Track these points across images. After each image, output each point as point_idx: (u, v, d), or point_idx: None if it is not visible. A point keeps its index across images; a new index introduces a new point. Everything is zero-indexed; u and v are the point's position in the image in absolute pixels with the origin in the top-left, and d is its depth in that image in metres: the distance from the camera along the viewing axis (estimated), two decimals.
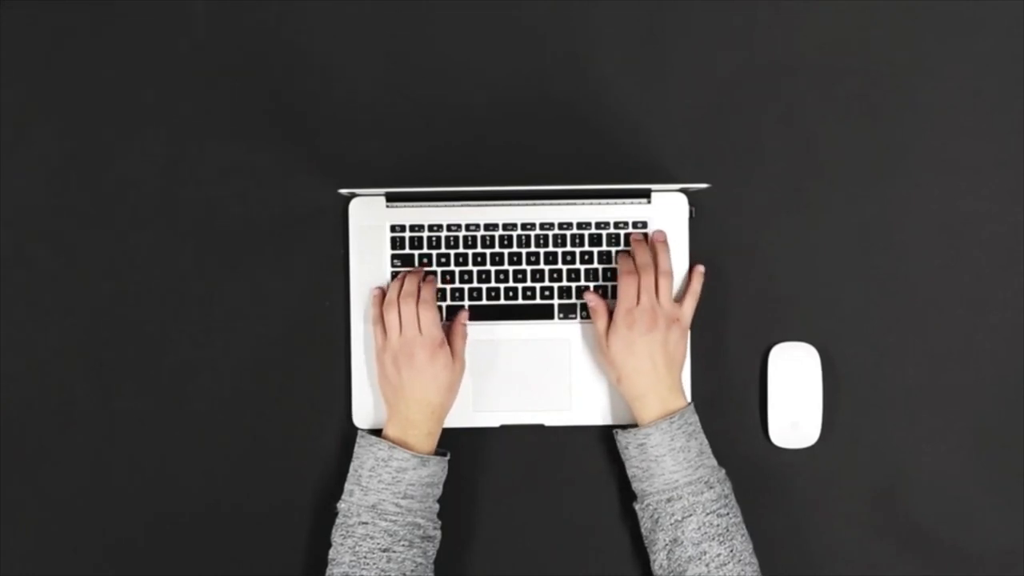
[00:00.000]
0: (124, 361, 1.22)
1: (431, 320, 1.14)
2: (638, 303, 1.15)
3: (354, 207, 1.22)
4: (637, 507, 1.14)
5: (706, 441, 1.14)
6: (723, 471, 1.14)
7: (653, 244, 1.19)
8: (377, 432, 1.16)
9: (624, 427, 1.17)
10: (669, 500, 1.11)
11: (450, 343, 1.16)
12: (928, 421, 1.23)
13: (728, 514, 1.10)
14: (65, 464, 1.22)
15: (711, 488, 1.10)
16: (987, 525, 1.23)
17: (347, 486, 1.13)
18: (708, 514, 1.09)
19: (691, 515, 1.09)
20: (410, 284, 1.16)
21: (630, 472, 1.15)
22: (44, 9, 1.24)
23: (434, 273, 1.21)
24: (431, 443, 1.14)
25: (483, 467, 1.22)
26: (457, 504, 1.17)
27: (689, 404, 1.15)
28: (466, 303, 1.21)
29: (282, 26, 1.24)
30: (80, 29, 1.24)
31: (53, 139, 1.23)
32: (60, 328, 1.22)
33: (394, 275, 1.21)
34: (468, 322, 1.20)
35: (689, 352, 1.21)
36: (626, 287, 1.15)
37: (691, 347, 1.21)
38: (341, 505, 1.12)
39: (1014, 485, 1.22)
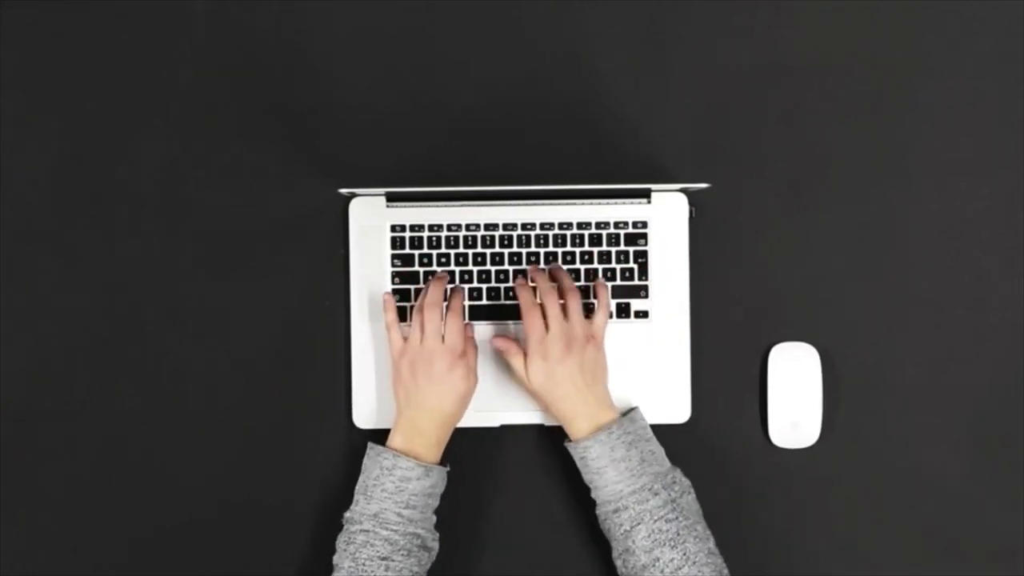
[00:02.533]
0: (124, 361, 1.22)
1: (456, 330, 1.14)
2: (548, 331, 1.14)
3: (354, 207, 1.22)
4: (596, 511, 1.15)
5: (652, 447, 1.13)
6: (673, 474, 1.12)
7: (550, 270, 1.19)
8: (383, 432, 1.16)
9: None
10: (616, 511, 1.10)
11: (464, 355, 1.15)
12: (928, 421, 1.23)
13: (677, 518, 1.09)
14: (65, 464, 1.22)
15: (656, 495, 1.09)
16: (987, 525, 1.23)
17: (355, 495, 1.13)
18: (656, 520, 1.09)
19: (639, 523, 1.09)
20: (435, 292, 1.15)
21: (585, 481, 1.15)
22: (44, 9, 1.24)
23: (461, 289, 1.20)
24: (437, 453, 1.14)
25: (483, 467, 1.22)
26: (457, 503, 1.17)
27: (627, 413, 1.14)
28: (469, 321, 1.21)
29: (282, 26, 1.24)
30: (80, 29, 1.24)
31: (53, 139, 1.23)
32: (60, 328, 1.22)
33: (394, 275, 1.21)
34: (470, 322, 1.19)
35: (689, 352, 1.21)
36: (531, 318, 1.14)
37: (691, 347, 1.21)
38: (347, 513, 1.12)
39: (1014, 485, 1.23)
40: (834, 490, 1.23)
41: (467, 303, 1.21)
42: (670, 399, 1.21)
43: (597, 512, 1.13)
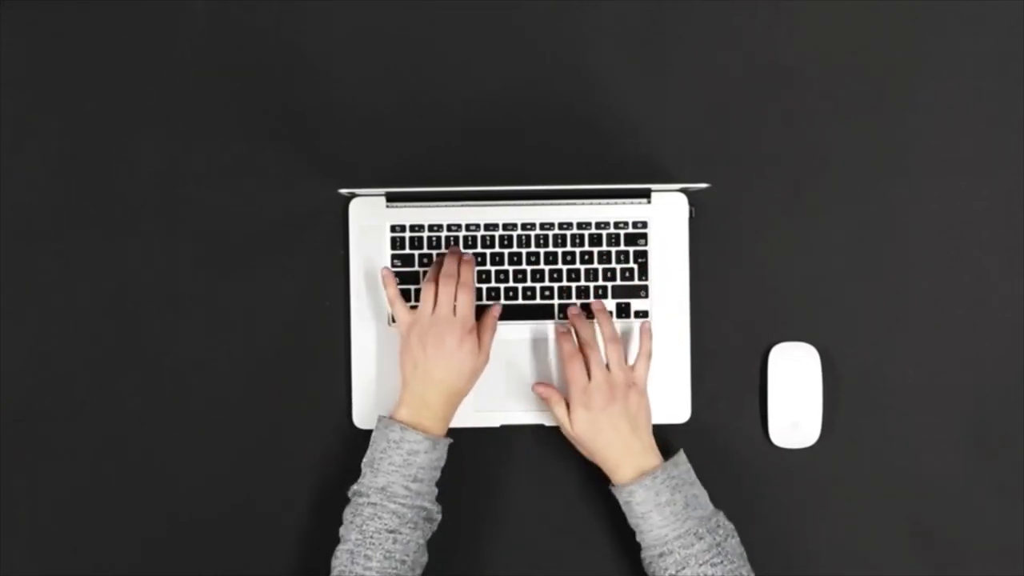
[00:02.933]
0: (124, 361, 1.22)
1: (467, 303, 1.14)
2: (590, 379, 1.14)
3: (354, 207, 1.22)
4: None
5: (695, 491, 1.13)
6: (716, 517, 1.12)
7: (594, 313, 1.19)
8: None
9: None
10: (661, 555, 1.10)
11: (479, 334, 1.16)
12: (928, 421, 1.23)
13: (722, 562, 1.09)
14: (65, 464, 1.22)
15: (701, 539, 1.10)
16: (987, 525, 1.23)
17: (362, 469, 1.13)
18: (701, 565, 1.09)
19: (684, 568, 1.09)
20: (450, 264, 1.16)
21: (629, 524, 1.15)
22: (44, 9, 1.24)
23: (473, 258, 1.20)
24: (443, 427, 1.14)
25: (483, 467, 1.22)
26: (457, 503, 1.17)
27: (671, 459, 1.14)
28: (501, 300, 1.21)
29: (282, 26, 1.24)
30: (80, 29, 1.24)
31: (53, 139, 1.23)
32: (60, 328, 1.22)
33: (394, 275, 1.21)
34: (497, 303, 1.20)
35: (689, 352, 1.21)
36: (573, 368, 1.15)
37: (691, 347, 1.21)
38: (354, 487, 1.12)
39: (1014, 485, 1.22)
40: (834, 490, 1.23)
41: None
42: (670, 399, 1.21)
43: (642, 556, 1.13)
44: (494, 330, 1.18)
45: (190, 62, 1.24)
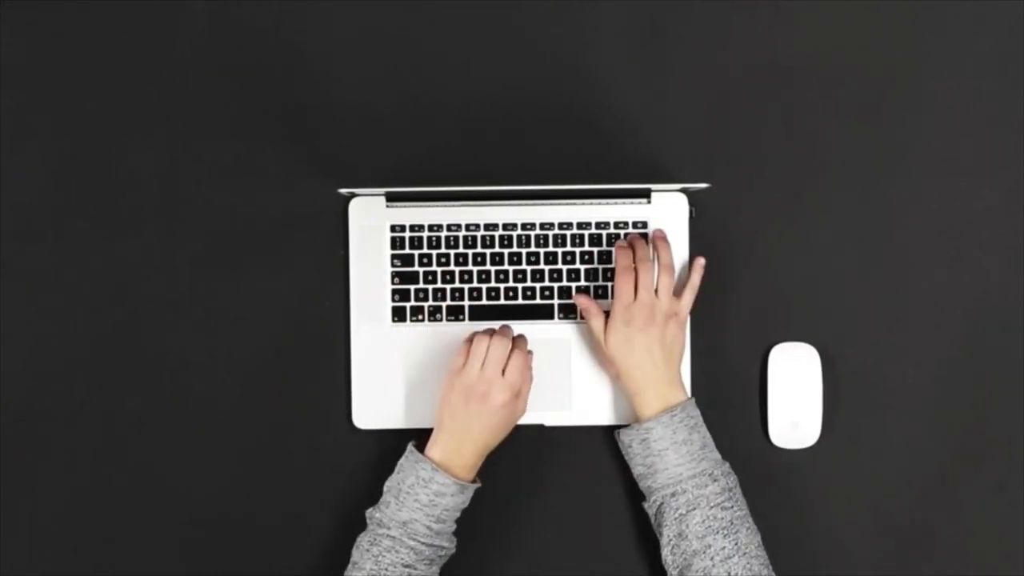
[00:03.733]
0: (124, 361, 1.22)
1: (520, 366, 1.13)
2: (635, 299, 1.14)
3: (354, 207, 1.22)
4: (645, 506, 1.15)
5: (709, 435, 1.14)
6: (727, 464, 1.13)
7: (654, 240, 1.19)
8: (383, 433, 1.16)
9: (624, 427, 1.17)
10: (673, 495, 1.11)
11: (519, 393, 1.14)
12: (928, 421, 1.23)
13: (733, 507, 1.10)
14: (65, 464, 1.22)
15: (715, 481, 1.10)
16: (987, 525, 1.22)
17: (385, 495, 1.12)
18: (712, 507, 1.09)
19: (695, 508, 1.09)
20: (506, 331, 1.15)
21: (635, 471, 1.15)
22: (44, 9, 1.24)
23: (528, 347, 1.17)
24: (472, 474, 1.14)
25: (483, 467, 1.22)
26: None
27: (690, 398, 1.15)
28: (531, 350, 1.18)
29: (282, 26, 1.24)
30: (80, 29, 1.24)
31: (53, 139, 1.23)
32: (60, 328, 1.22)
33: (395, 275, 1.21)
34: (531, 351, 1.17)
35: (689, 352, 1.21)
36: (623, 283, 1.15)
37: (691, 346, 1.21)
38: (376, 513, 1.12)
39: (1014, 485, 1.22)
40: (834, 490, 1.23)
41: (468, 303, 1.21)
42: None
43: (649, 501, 1.13)
44: (532, 380, 1.16)
45: (190, 62, 1.24)
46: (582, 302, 1.18)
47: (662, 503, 1.12)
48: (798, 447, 1.23)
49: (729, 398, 1.23)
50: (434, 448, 1.13)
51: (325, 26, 1.24)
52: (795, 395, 1.22)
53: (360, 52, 1.24)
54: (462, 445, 1.12)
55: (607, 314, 1.16)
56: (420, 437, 1.15)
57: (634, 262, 1.16)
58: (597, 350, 1.19)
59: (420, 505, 1.10)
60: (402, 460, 1.13)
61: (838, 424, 1.23)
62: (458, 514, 1.13)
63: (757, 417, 1.23)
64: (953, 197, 1.23)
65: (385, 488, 1.12)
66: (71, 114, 1.23)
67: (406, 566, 1.09)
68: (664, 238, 1.19)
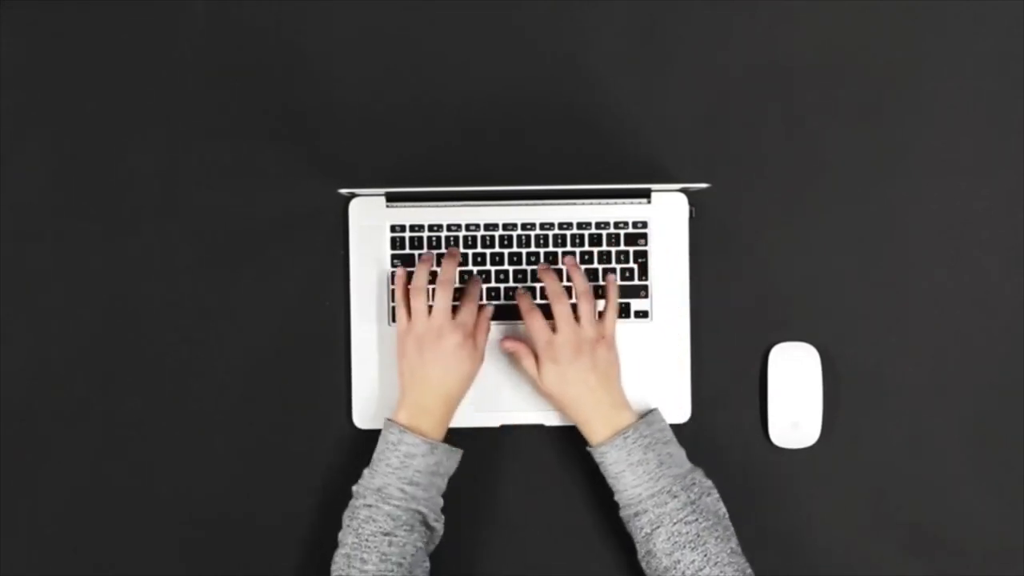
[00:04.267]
0: (124, 361, 1.22)
1: (469, 311, 1.15)
2: (557, 333, 1.14)
3: (354, 207, 1.22)
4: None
5: (670, 449, 1.13)
6: (693, 475, 1.11)
7: (566, 268, 1.19)
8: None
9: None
10: (636, 514, 1.11)
11: (474, 337, 1.16)
12: (928, 421, 1.23)
13: (696, 519, 1.09)
14: (65, 464, 1.22)
15: (675, 497, 1.09)
16: (987, 525, 1.23)
17: (364, 470, 1.13)
18: (675, 523, 1.09)
19: (659, 527, 1.09)
20: (447, 271, 1.15)
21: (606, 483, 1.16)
22: (44, 9, 1.24)
23: (478, 279, 1.20)
24: (442, 431, 1.14)
25: (483, 467, 1.22)
26: (457, 504, 1.17)
27: (643, 416, 1.14)
28: (494, 302, 1.21)
29: (282, 26, 1.24)
30: (80, 29, 1.24)
31: (53, 139, 1.23)
32: (60, 328, 1.22)
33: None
34: (489, 303, 1.20)
35: (689, 352, 1.21)
36: (533, 322, 1.15)
37: (691, 346, 1.21)
38: (354, 487, 1.13)
39: (1014, 485, 1.23)
40: (834, 490, 1.23)
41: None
42: (670, 399, 1.21)
43: (620, 515, 1.14)
44: (488, 330, 1.18)
45: (190, 62, 1.24)
46: (508, 346, 1.18)
47: (628, 522, 1.12)
48: (798, 447, 1.23)
49: (729, 398, 1.23)
50: (400, 412, 1.14)
51: (325, 26, 1.24)
52: (795, 395, 1.22)
53: (360, 52, 1.24)
54: (424, 397, 1.13)
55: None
56: None
57: (549, 297, 1.16)
58: (535, 388, 1.18)
59: (391, 469, 1.10)
60: (380, 435, 1.14)
61: (838, 424, 1.23)
62: (437, 480, 1.13)
63: (757, 417, 1.23)
64: (953, 197, 1.23)
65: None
66: (71, 114, 1.23)
67: (386, 534, 1.09)
68: (575, 264, 1.19)
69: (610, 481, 1.14)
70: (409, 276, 1.18)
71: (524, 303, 1.17)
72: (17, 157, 1.23)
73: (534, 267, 1.21)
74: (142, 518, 1.22)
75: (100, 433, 1.22)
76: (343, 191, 1.17)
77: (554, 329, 1.14)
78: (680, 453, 1.13)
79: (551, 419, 1.21)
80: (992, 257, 1.23)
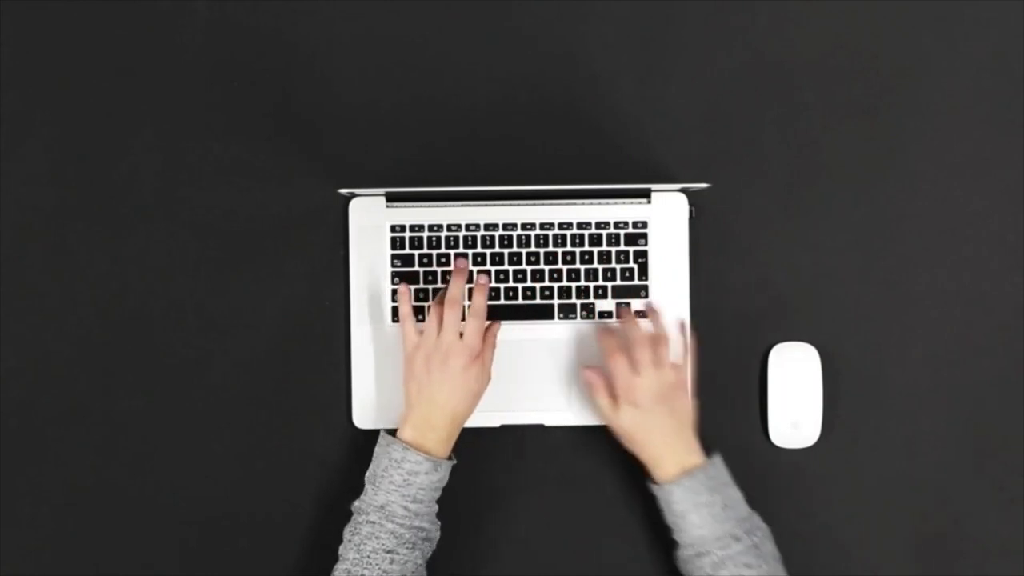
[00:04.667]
0: (124, 361, 1.22)
1: (475, 329, 1.13)
2: (638, 376, 1.14)
3: (354, 207, 1.22)
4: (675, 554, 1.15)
5: (733, 492, 1.13)
6: (753, 519, 1.12)
7: (646, 311, 1.18)
8: (393, 431, 1.16)
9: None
10: (698, 555, 1.11)
11: (482, 356, 1.15)
12: (928, 421, 1.23)
13: (759, 564, 1.09)
14: (65, 464, 1.22)
15: (738, 541, 1.10)
16: (987, 525, 1.23)
17: (365, 483, 1.13)
18: (738, 566, 1.09)
19: (721, 569, 1.09)
20: (456, 287, 1.14)
21: (665, 522, 1.15)
22: (44, 9, 1.24)
23: (487, 273, 1.20)
24: (447, 448, 1.14)
25: (483, 467, 1.22)
26: (457, 504, 1.17)
27: (710, 460, 1.14)
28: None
29: (282, 26, 1.24)
30: (80, 29, 1.24)
31: (53, 139, 1.23)
32: (60, 328, 1.22)
33: (394, 275, 1.21)
34: (497, 321, 1.19)
35: (690, 351, 1.21)
36: (617, 364, 1.14)
37: (691, 347, 1.21)
38: (355, 503, 1.12)
39: (1014, 485, 1.22)
40: (834, 490, 1.23)
41: (468, 303, 1.21)
42: None
43: (677, 554, 1.14)
44: (495, 347, 1.17)
45: (190, 62, 1.24)
46: (589, 377, 1.17)
47: (688, 561, 1.12)
48: (798, 447, 1.23)
49: (729, 398, 1.23)
50: (405, 428, 1.13)
51: (325, 26, 1.24)
52: (795, 395, 1.22)
53: (360, 52, 1.24)
54: (431, 416, 1.13)
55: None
56: None
57: (629, 342, 1.15)
58: (602, 419, 1.18)
59: (395, 486, 1.10)
60: (376, 448, 1.14)
61: (838, 424, 1.23)
62: (437, 494, 1.13)
63: (757, 417, 1.23)
64: (953, 197, 1.23)
65: (365, 479, 1.13)
66: (71, 114, 1.23)
67: (388, 551, 1.09)
68: (655, 310, 1.19)
69: (671, 519, 1.13)
70: (410, 292, 1.18)
71: (610, 343, 1.16)
72: (17, 157, 1.23)
73: (536, 267, 1.21)
74: (142, 518, 1.22)
75: (100, 433, 1.22)
76: (343, 191, 1.17)
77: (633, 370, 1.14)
78: (739, 496, 1.14)
79: (551, 419, 1.21)
80: (992, 257, 1.23)
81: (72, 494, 1.22)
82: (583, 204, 1.21)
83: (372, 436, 1.18)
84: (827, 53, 1.24)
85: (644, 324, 1.17)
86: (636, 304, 1.20)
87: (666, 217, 1.22)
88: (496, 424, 1.21)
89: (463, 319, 1.14)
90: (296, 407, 1.23)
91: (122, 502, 1.22)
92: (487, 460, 1.22)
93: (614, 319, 1.21)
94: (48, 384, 1.22)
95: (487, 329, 1.16)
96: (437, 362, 1.13)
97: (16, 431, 1.22)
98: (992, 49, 1.24)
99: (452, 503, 1.16)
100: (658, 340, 1.16)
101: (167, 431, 1.22)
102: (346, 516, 1.14)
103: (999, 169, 1.23)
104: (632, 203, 1.21)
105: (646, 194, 1.20)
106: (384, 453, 1.12)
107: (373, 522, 1.10)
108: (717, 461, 1.14)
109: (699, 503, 1.11)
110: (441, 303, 1.14)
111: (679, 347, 1.18)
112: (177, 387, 1.22)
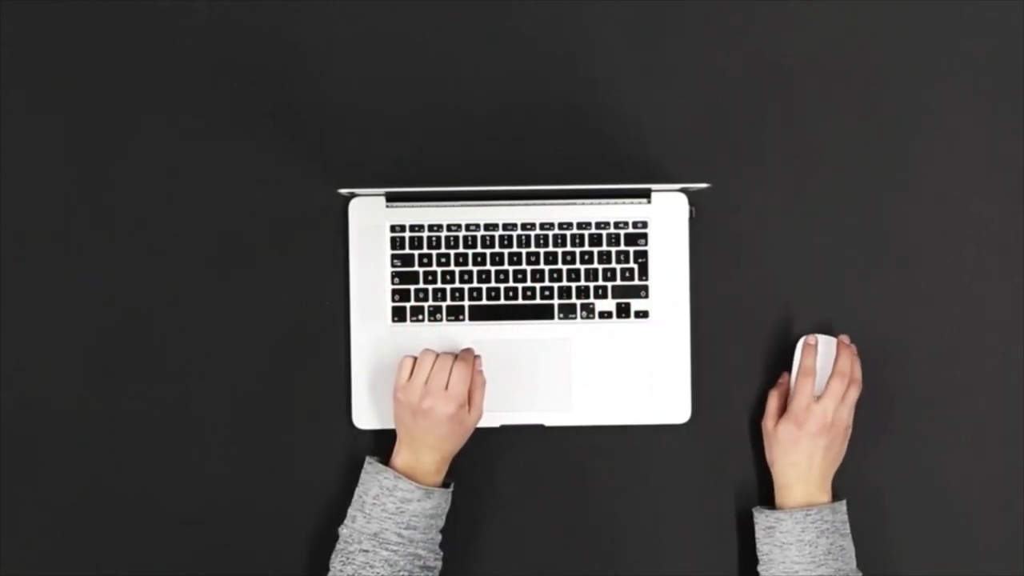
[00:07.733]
0: (124, 361, 1.22)
1: (461, 378, 1.12)
2: (818, 402, 1.14)
3: (354, 207, 1.22)
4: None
5: (843, 543, 1.13)
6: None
7: (841, 348, 1.18)
8: (383, 433, 1.16)
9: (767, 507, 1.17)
10: None
11: (470, 397, 1.14)
12: (928, 421, 1.23)
13: None
14: (65, 465, 1.22)
15: None
16: (987, 525, 1.22)
17: (350, 511, 1.12)
18: None
19: None
20: (450, 355, 1.14)
21: (757, 551, 1.15)
22: (44, 9, 1.24)
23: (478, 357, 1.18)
24: (438, 478, 1.14)
25: (483, 467, 1.22)
26: (457, 504, 1.17)
27: (833, 504, 1.14)
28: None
29: (282, 26, 1.24)
30: (80, 29, 1.24)
31: (53, 139, 1.23)
32: (60, 329, 1.22)
33: (394, 275, 1.21)
34: (479, 356, 1.17)
35: (689, 351, 1.21)
36: (804, 384, 1.15)
37: (691, 347, 1.21)
38: (343, 530, 1.12)
39: (1014, 485, 1.22)
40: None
41: (468, 303, 1.21)
42: (670, 399, 1.21)
43: None
44: (484, 385, 1.16)
45: (190, 62, 1.24)
46: (784, 382, 1.19)
47: None
48: None
49: (729, 398, 1.23)
50: (397, 457, 1.14)
51: (325, 26, 1.24)
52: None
53: (360, 52, 1.24)
54: (420, 455, 1.13)
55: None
56: None
57: (832, 370, 1.15)
58: (764, 434, 1.19)
59: (388, 514, 1.10)
60: (362, 474, 1.13)
61: None
62: (435, 522, 1.12)
63: (757, 417, 1.23)
64: (953, 197, 1.23)
65: (349, 509, 1.13)
66: (71, 113, 1.23)
67: None
68: (852, 348, 1.18)
69: (767, 548, 1.13)
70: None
71: (806, 362, 1.17)
72: (17, 157, 1.23)
73: (536, 267, 1.21)
74: (141, 517, 1.22)
75: (100, 433, 1.22)
76: (343, 191, 1.17)
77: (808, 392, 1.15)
78: (851, 550, 1.14)
79: (551, 419, 1.21)
80: (992, 257, 1.23)
81: (72, 493, 1.22)
82: (583, 204, 1.21)
83: (372, 436, 1.19)
84: (827, 53, 1.24)
85: (826, 350, 1.18)
86: (843, 338, 1.19)
87: (666, 217, 1.22)
88: (496, 424, 1.21)
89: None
90: (296, 407, 1.22)
91: (122, 502, 1.22)
92: (487, 460, 1.22)
93: (822, 334, 1.20)
94: (48, 384, 1.22)
95: (474, 376, 1.15)
96: (422, 412, 1.12)
97: (16, 431, 1.22)
98: (992, 49, 1.24)
99: (452, 503, 1.16)
100: (855, 382, 1.16)
101: (166, 431, 1.22)
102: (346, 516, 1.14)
103: (999, 169, 1.23)
104: (632, 203, 1.21)
105: (646, 194, 1.20)
106: (373, 481, 1.12)
107: (367, 551, 1.09)
108: (840, 507, 1.14)
109: (804, 540, 1.11)
110: (433, 351, 1.14)
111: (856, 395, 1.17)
112: (176, 387, 1.22)
